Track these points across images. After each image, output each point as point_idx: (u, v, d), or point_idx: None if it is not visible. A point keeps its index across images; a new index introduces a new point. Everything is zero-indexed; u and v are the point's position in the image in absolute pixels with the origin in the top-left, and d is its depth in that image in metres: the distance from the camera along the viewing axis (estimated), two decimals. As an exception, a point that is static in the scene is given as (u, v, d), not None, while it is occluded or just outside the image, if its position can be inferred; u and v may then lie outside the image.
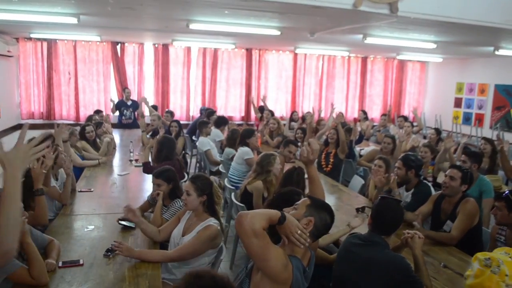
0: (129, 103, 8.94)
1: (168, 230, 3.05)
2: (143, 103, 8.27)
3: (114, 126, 8.54)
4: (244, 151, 5.37)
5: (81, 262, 2.64)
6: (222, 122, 7.26)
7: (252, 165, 5.10)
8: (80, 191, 4.25)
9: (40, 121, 8.98)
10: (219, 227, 2.87)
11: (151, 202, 3.55)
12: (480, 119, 10.04)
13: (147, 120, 7.66)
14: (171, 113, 8.58)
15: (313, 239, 2.13)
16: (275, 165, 4.10)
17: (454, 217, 3.40)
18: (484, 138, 5.55)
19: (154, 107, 8.75)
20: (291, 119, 8.97)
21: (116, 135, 7.81)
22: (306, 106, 10.71)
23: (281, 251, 1.99)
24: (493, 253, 1.70)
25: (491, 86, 9.79)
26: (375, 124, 9.57)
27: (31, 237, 2.43)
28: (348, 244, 2.61)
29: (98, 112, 8.06)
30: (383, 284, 2.31)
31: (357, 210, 3.86)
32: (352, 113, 11.19)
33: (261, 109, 9.08)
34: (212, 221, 2.86)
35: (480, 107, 10.12)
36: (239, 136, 5.78)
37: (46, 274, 2.39)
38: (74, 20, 5.42)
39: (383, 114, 9.30)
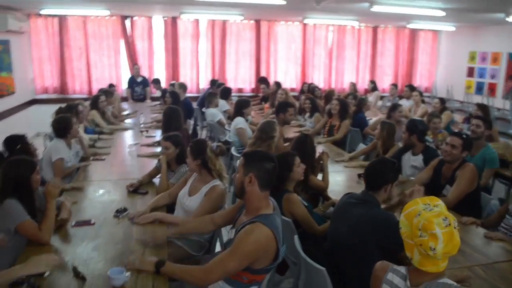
0: (139, 79, 9.07)
1: (176, 192, 3.19)
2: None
3: (125, 100, 8.80)
4: (237, 121, 5.43)
5: (92, 221, 2.83)
6: (228, 92, 7.32)
7: (242, 136, 5.20)
8: (93, 159, 4.46)
9: (55, 96, 9.19)
10: (223, 187, 3.01)
11: (159, 167, 3.70)
12: (492, 89, 9.91)
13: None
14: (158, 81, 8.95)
15: (266, 188, 2.19)
16: (278, 131, 4.20)
17: (453, 182, 3.46)
18: (478, 104, 5.50)
19: (156, 80, 8.96)
20: (302, 91, 8.98)
21: (128, 108, 8.07)
22: (316, 77, 10.69)
23: (253, 241, 2.04)
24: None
25: (504, 54, 9.60)
26: (383, 94, 9.53)
27: None
28: (343, 204, 2.70)
29: (111, 85, 8.27)
30: (373, 241, 2.38)
31: (359, 176, 3.98)
32: (363, 83, 11.08)
33: (262, 80, 9.13)
34: (216, 181, 2.99)
35: (492, 77, 9.95)
36: (235, 106, 5.80)
37: (51, 233, 2.54)
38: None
39: (393, 84, 9.24)
